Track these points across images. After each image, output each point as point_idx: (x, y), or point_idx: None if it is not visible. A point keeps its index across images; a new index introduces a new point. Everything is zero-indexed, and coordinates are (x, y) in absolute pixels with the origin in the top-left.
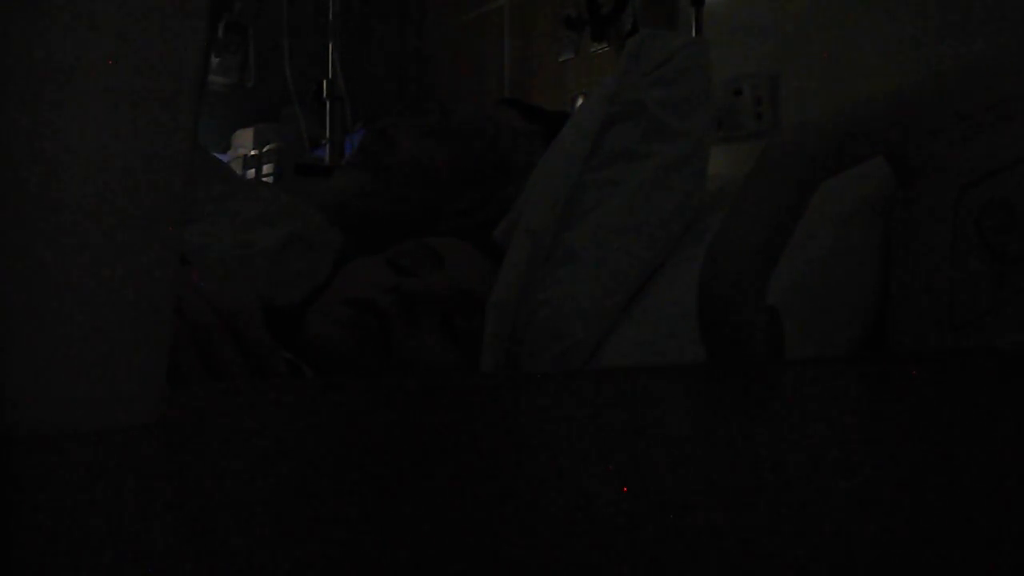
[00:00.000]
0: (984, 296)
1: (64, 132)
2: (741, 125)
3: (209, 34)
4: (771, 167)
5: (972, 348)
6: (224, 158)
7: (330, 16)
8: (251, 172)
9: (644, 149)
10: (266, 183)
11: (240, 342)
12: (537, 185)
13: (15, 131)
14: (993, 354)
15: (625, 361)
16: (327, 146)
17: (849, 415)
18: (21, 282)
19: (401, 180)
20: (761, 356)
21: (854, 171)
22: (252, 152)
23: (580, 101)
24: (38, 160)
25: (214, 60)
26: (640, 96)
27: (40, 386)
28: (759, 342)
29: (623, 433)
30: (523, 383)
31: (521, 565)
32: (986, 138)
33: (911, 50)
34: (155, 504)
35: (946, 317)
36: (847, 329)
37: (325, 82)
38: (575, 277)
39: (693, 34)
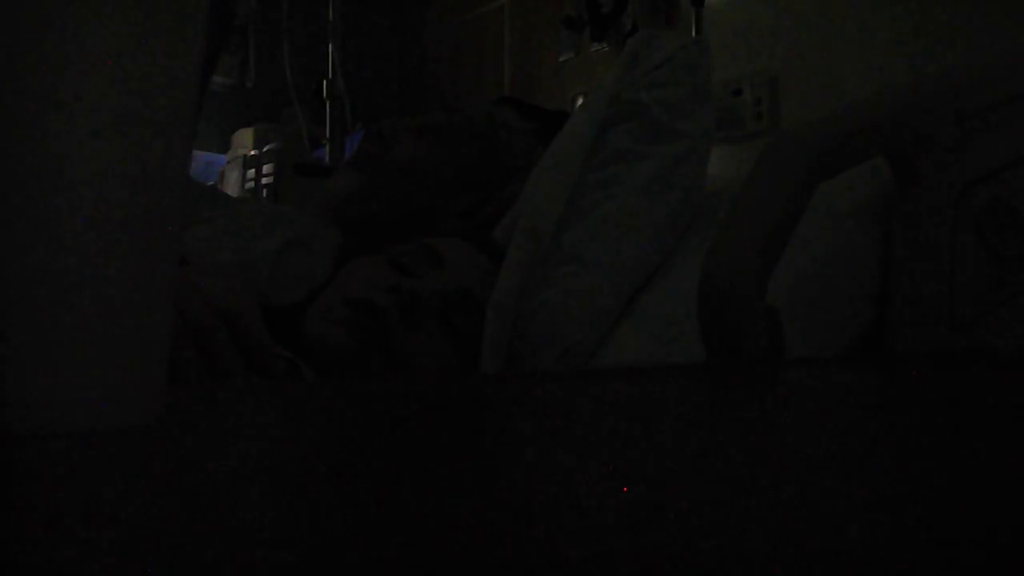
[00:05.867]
0: (984, 296)
1: (65, 134)
2: (741, 125)
3: (218, 40)
4: (771, 167)
5: (972, 348)
6: (224, 158)
7: (330, 16)
8: (251, 172)
9: (644, 149)
10: (262, 199)
11: (240, 341)
12: (537, 185)
13: (18, 134)
14: (993, 354)
15: (625, 361)
16: (327, 146)
17: (849, 415)
18: (21, 282)
19: (398, 182)
20: (761, 356)
21: (854, 171)
22: (252, 152)
23: (580, 101)
24: (39, 162)
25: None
26: (640, 96)
27: (40, 386)
28: (759, 342)
29: (623, 433)
30: (523, 383)
31: (521, 566)
32: (986, 138)
33: (911, 50)
34: (154, 504)
35: (946, 317)
36: (847, 329)
37: (325, 82)
38: (575, 277)
39: (693, 34)
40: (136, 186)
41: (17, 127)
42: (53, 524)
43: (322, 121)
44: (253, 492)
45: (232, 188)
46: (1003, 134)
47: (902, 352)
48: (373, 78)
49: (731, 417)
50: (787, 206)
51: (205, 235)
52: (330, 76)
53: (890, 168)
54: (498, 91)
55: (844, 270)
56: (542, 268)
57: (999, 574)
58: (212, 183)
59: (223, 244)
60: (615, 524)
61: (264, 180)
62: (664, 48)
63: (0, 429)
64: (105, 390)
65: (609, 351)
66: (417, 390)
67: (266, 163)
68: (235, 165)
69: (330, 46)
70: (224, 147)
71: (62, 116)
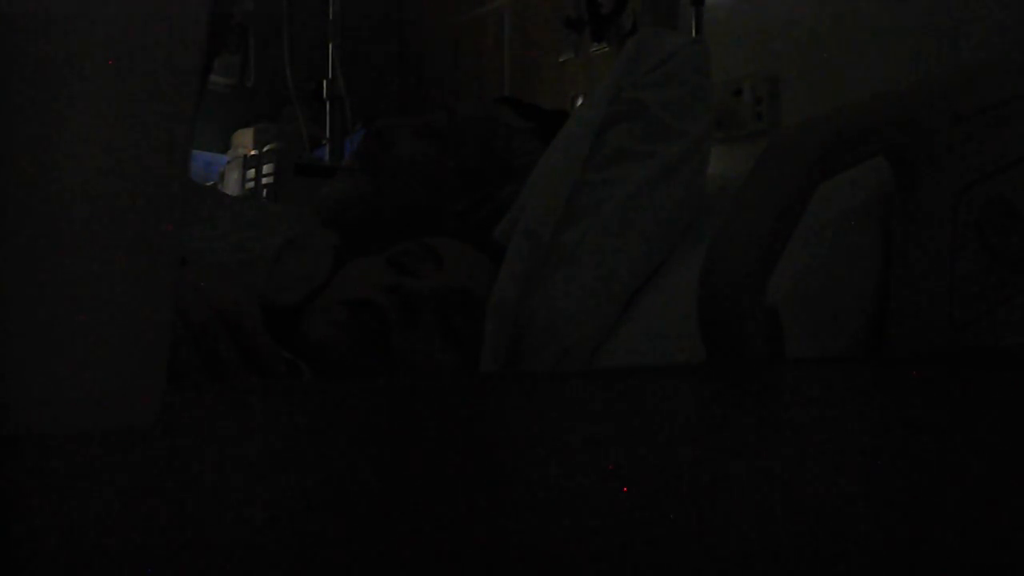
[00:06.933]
0: (984, 296)
1: (66, 136)
2: (741, 125)
3: (218, 40)
4: (771, 167)
5: (972, 348)
6: (224, 158)
7: (330, 16)
8: (251, 172)
9: (644, 149)
10: (262, 199)
11: (239, 342)
12: (537, 185)
13: (18, 135)
14: (993, 354)
15: (625, 361)
16: (327, 146)
17: (849, 415)
18: (21, 283)
19: (399, 182)
20: (761, 356)
21: (854, 171)
22: (252, 152)
23: (580, 101)
24: (39, 162)
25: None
26: (640, 96)
27: (40, 386)
28: (759, 342)
29: (622, 433)
30: (523, 383)
31: (521, 565)
32: (986, 138)
33: (911, 50)
34: (154, 505)
35: (946, 317)
36: (847, 329)
37: (325, 82)
38: (575, 277)
39: (693, 34)
40: (136, 186)
41: (16, 128)
42: (53, 524)
43: (322, 121)
44: (252, 492)
45: (232, 188)
46: (1002, 134)
47: (902, 352)
48: (373, 78)
49: (731, 417)
50: (787, 206)
51: (205, 235)
52: (330, 76)
53: (890, 168)
54: (498, 91)
55: (844, 270)
56: (542, 268)
57: (999, 573)
58: (212, 183)
59: (223, 244)
60: (615, 524)
61: (264, 180)
62: (664, 48)
63: (1, 429)
64: (105, 390)
65: (609, 351)
66: (417, 390)
67: (266, 163)
68: (235, 165)
69: (330, 46)
70: (224, 147)
71: (61, 116)
